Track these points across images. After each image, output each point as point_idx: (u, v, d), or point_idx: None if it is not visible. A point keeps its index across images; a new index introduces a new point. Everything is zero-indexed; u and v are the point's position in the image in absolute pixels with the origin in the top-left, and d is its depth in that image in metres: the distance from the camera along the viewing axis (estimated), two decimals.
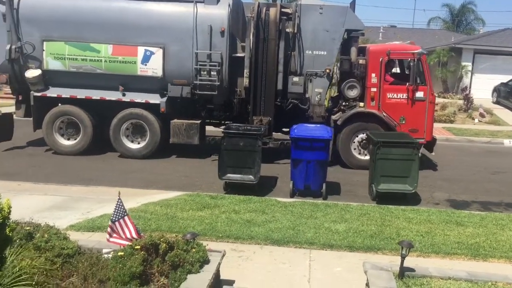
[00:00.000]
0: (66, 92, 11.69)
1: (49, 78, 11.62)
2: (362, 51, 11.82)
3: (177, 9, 11.43)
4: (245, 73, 11.41)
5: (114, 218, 4.81)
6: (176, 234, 6.03)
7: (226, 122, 11.96)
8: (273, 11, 11.37)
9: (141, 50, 11.32)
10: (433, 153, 12.19)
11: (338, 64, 12.55)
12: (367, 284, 4.89)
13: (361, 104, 11.59)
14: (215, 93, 11.47)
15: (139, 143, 11.88)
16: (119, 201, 4.84)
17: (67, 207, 7.84)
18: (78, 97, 11.63)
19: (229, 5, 11.31)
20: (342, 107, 11.78)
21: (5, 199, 2.97)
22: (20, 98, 12.26)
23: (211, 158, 11.90)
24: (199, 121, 11.73)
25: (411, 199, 9.05)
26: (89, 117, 11.74)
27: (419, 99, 11.42)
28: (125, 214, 4.87)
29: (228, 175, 9.11)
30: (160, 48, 11.28)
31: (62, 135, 11.97)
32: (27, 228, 4.72)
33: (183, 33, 11.29)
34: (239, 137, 9.17)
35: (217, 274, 4.76)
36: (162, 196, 8.47)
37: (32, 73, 11.44)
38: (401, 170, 8.83)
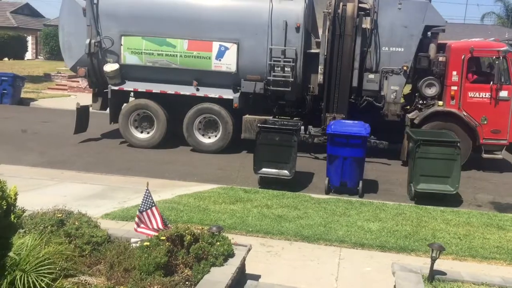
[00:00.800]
0: (142, 86, 11.92)
1: (126, 72, 11.88)
2: (440, 48, 11.52)
3: (252, 4, 11.56)
4: (319, 69, 11.37)
5: (142, 208, 4.90)
6: (204, 227, 6.05)
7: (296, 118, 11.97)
8: (350, 7, 11.20)
9: (215, 46, 11.45)
10: (497, 155, 11.42)
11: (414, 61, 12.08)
12: (395, 286, 4.76)
13: (440, 102, 11.23)
14: (288, 89, 11.50)
15: (212, 137, 11.96)
16: (147, 191, 4.92)
17: (105, 196, 8.07)
18: (153, 91, 11.84)
19: (305, 0, 11.39)
20: (418, 105, 11.45)
21: (12, 186, 3.07)
22: (95, 91, 12.68)
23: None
24: (270, 117, 11.56)
25: (452, 200, 8.72)
26: (163, 111, 11.88)
27: (503, 98, 10.95)
28: (153, 204, 4.95)
29: (264, 169, 9.08)
30: (235, 43, 11.37)
31: (137, 128, 12.16)
32: (59, 215, 4.88)
33: (258, 29, 11.36)
34: (275, 132, 9.14)
35: (241, 268, 4.77)
36: (197, 188, 8.57)
37: (110, 67, 11.73)
38: (442, 169, 8.53)
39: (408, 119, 11.35)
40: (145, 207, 4.89)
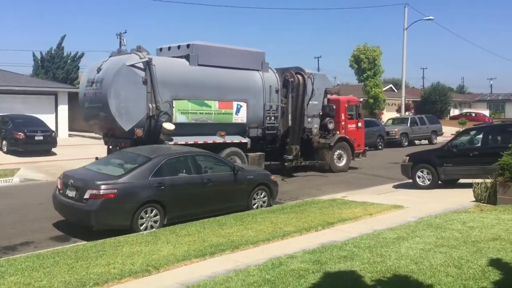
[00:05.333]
0: (190, 139, 14.60)
1: (175, 129, 14.23)
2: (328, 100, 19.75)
3: (252, 74, 16.75)
4: (289, 116, 17.57)
5: None
6: None
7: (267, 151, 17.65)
8: (300, 77, 17.92)
9: (235, 104, 15.97)
10: (360, 158, 20.20)
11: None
12: None
13: (338, 132, 19.36)
14: (275, 132, 17.31)
15: None
16: None
17: None
18: (199, 142, 14.61)
19: (276, 71, 17.67)
20: (324, 135, 19.06)
21: None
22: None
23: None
24: (263, 153, 16.98)
25: None
26: None
27: (359, 127, 20.54)
28: None
29: None
30: (245, 102, 16.23)
31: None
32: None
33: (257, 91, 16.65)
34: None
35: None
36: None
37: (170, 125, 14.02)
38: None
39: (321, 144, 18.77)
40: None
